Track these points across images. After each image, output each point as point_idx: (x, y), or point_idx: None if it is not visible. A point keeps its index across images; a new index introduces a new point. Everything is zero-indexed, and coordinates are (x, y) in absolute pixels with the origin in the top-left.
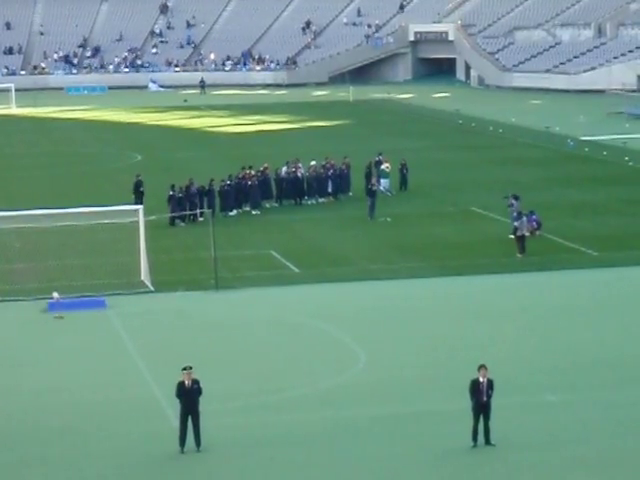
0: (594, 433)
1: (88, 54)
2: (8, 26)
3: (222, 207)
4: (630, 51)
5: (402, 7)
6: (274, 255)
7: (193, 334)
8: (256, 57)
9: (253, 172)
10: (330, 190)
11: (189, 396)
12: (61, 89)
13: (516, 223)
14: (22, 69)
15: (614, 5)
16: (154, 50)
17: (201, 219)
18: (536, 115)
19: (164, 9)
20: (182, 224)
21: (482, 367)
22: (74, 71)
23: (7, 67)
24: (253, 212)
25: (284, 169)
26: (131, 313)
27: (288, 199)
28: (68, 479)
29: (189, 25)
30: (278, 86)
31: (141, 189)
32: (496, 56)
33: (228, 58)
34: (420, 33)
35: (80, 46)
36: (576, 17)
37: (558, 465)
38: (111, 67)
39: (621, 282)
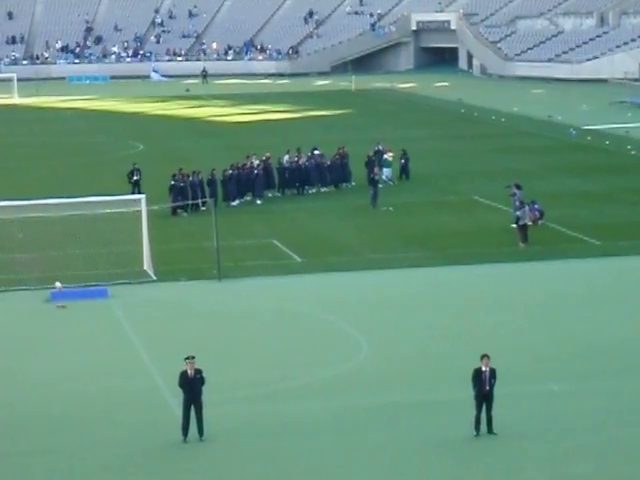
0: (597, 422)
1: (90, 43)
2: (10, 16)
3: (224, 196)
4: (632, 40)
5: None
6: (277, 244)
7: (196, 324)
8: (258, 47)
9: (257, 161)
10: (329, 179)
11: (192, 386)
12: (63, 79)
13: (518, 212)
14: (24, 59)
15: None
16: (156, 40)
17: (203, 208)
18: (538, 104)
19: None
20: (185, 214)
21: (485, 356)
22: (76, 61)
23: (9, 57)
24: (258, 201)
25: (286, 158)
26: (133, 303)
27: (290, 188)
28: (71, 468)
29: (191, 15)
30: (280, 76)
31: (135, 178)
32: (498, 45)
33: (230, 48)
34: (422, 22)
35: (82, 36)
36: (578, 6)
37: (561, 454)
38: (113, 57)
39: (624, 271)
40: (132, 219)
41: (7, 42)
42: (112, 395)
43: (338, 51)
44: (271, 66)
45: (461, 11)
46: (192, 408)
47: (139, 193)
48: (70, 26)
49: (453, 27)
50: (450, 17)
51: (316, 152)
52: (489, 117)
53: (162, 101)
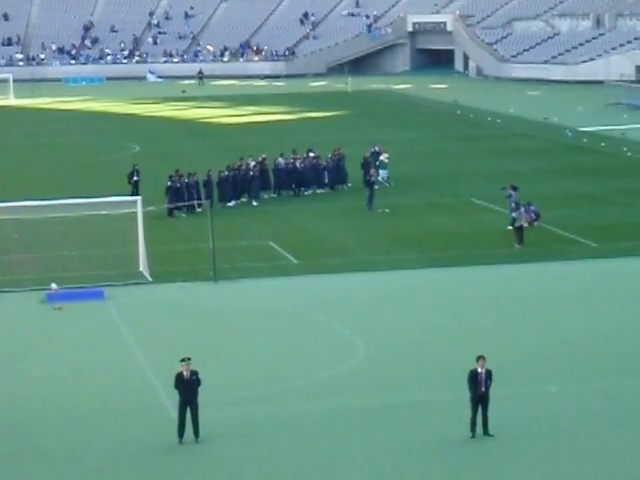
0: (594, 423)
1: (86, 45)
2: (6, 17)
3: (220, 198)
4: (628, 42)
5: None
6: (273, 246)
7: (191, 325)
8: (254, 48)
9: (253, 163)
10: (326, 181)
11: (188, 387)
12: (59, 80)
13: (514, 214)
14: (20, 60)
15: None
16: (152, 41)
17: (199, 210)
18: (534, 106)
19: None
20: (183, 215)
21: (480, 358)
22: (72, 62)
23: (5, 58)
24: (254, 203)
25: (280, 160)
26: (129, 304)
27: (286, 190)
28: (67, 470)
29: (187, 16)
30: (276, 77)
31: (135, 178)
32: (494, 47)
33: (226, 49)
34: (418, 24)
35: (78, 37)
36: (574, 8)
37: (557, 455)
38: (109, 58)
39: (620, 273)
40: (128, 220)
41: (3, 43)
42: (108, 396)
43: (334, 53)
44: (267, 67)
45: (457, 13)
46: (188, 409)
47: (138, 194)
48: (66, 27)
49: (449, 29)
50: (446, 19)
51: (311, 154)
52: (485, 119)
53: (158, 102)
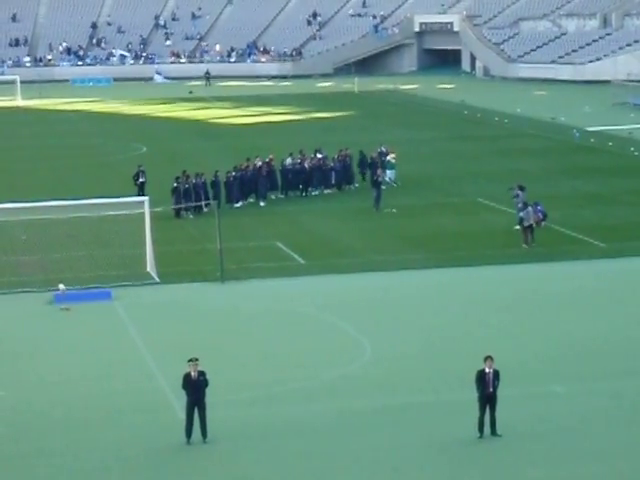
0: (600, 423)
1: (94, 46)
2: (14, 18)
3: (228, 198)
4: (636, 41)
5: None
6: (280, 246)
7: (199, 326)
8: (261, 48)
9: (260, 163)
10: (333, 181)
11: (195, 388)
12: (66, 81)
13: (521, 214)
14: (27, 61)
15: None
16: (159, 42)
17: (206, 210)
18: (541, 106)
19: None
20: (190, 216)
21: (488, 358)
22: (79, 63)
23: (12, 59)
24: (261, 203)
25: (288, 160)
26: (137, 304)
27: (293, 190)
28: (74, 470)
29: (194, 16)
30: (283, 77)
31: (141, 180)
32: (501, 47)
33: (233, 49)
34: (425, 24)
35: (86, 37)
36: (581, 7)
37: (564, 455)
38: (116, 59)
39: (628, 273)
40: (135, 221)
41: (10, 44)
42: (116, 397)
43: (341, 53)
44: (274, 68)
45: (464, 13)
46: (195, 410)
47: (144, 195)
48: (73, 28)
49: (456, 29)
50: (453, 19)
51: (319, 155)
52: (492, 119)
53: (165, 103)
